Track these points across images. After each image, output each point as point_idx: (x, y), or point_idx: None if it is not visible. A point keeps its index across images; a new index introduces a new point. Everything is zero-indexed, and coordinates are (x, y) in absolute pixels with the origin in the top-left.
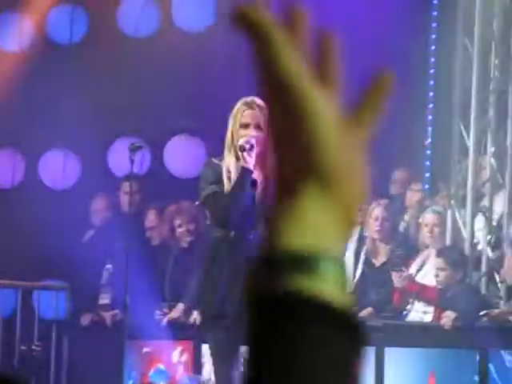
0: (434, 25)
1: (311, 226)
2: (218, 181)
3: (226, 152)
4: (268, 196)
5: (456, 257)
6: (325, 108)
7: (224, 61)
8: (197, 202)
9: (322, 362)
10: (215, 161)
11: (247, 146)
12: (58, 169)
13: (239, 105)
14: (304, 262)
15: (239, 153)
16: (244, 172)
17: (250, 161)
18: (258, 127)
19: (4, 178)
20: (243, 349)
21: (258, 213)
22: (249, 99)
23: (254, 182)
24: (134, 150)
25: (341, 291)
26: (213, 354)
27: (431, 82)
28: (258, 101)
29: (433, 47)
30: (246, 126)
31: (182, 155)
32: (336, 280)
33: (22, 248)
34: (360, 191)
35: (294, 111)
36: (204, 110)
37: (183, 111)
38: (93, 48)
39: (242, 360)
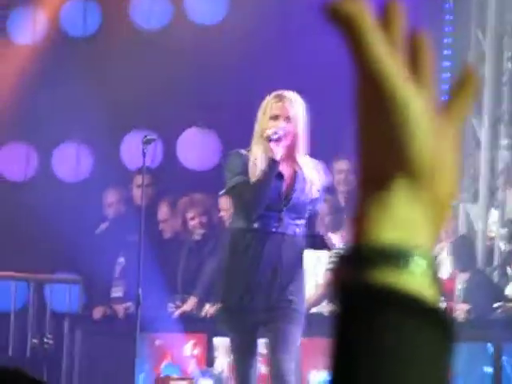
0: (449, 17)
1: (401, 220)
2: (245, 171)
3: (253, 143)
4: (355, 190)
5: (469, 249)
6: (418, 103)
7: (237, 53)
8: (221, 192)
9: (411, 354)
10: (242, 151)
11: (274, 137)
12: (71, 162)
13: (269, 97)
14: (393, 256)
15: (266, 143)
16: (270, 163)
17: (277, 151)
18: (287, 119)
19: (17, 171)
20: (261, 344)
21: (283, 206)
22: (279, 92)
23: (280, 175)
24: (146, 142)
25: (430, 286)
26: (233, 349)
27: (446, 75)
28: (288, 94)
29: (447, 40)
30: (275, 117)
31: (194, 148)
32: (425, 275)
33: (34, 241)
34: (451, 188)
35: (386, 105)
36: (217, 103)
37: (196, 104)
38: (106, 41)
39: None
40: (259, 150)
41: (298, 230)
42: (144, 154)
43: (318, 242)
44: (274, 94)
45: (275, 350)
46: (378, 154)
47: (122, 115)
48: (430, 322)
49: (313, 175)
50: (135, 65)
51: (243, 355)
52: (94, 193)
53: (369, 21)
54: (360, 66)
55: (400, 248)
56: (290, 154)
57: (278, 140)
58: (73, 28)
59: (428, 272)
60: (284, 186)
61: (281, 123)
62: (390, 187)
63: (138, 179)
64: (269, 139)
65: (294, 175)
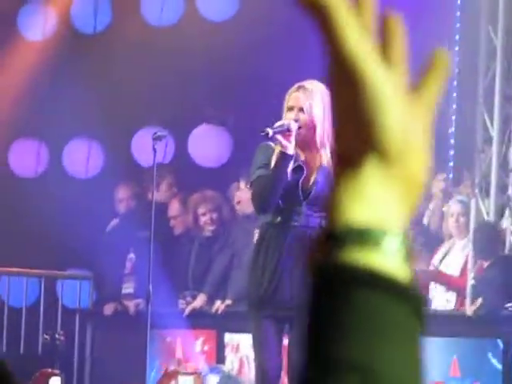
0: (458, 13)
1: (372, 200)
2: (268, 165)
3: None
4: (331, 170)
5: (493, 236)
6: (389, 85)
7: (248, 49)
8: (247, 187)
9: (380, 331)
10: (271, 144)
11: (277, 129)
12: (82, 158)
13: (291, 88)
14: (365, 236)
15: (276, 136)
16: (279, 155)
17: (286, 144)
18: (301, 110)
19: (28, 168)
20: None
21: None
22: (300, 83)
23: (299, 168)
24: (156, 139)
25: (402, 265)
26: (255, 345)
27: (455, 71)
28: (307, 84)
29: (457, 36)
30: (291, 108)
31: (206, 144)
32: (397, 254)
33: (45, 237)
34: (422, 168)
35: (357, 86)
36: (228, 99)
37: (207, 100)
38: (117, 37)
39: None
40: None
41: (324, 222)
42: (154, 151)
43: None
44: (296, 84)
45: (291, 348)
46: (350, 133)
47: (134, 111)
48: (398, 300)
49: None
50: (146, 61)
51: (263, 351)
52: (104, 189)
53: (342, 5)
54: (332, 48)
55: (371, 227)
56: (309, 145)
57: (285, 132)
58: (83, 24)
59: (400, 251)
60: (303, 179)
61: (293, 114)
62: (360, 166)
63: (149, 175)
64: (265, 134)
65: (317, 167)
